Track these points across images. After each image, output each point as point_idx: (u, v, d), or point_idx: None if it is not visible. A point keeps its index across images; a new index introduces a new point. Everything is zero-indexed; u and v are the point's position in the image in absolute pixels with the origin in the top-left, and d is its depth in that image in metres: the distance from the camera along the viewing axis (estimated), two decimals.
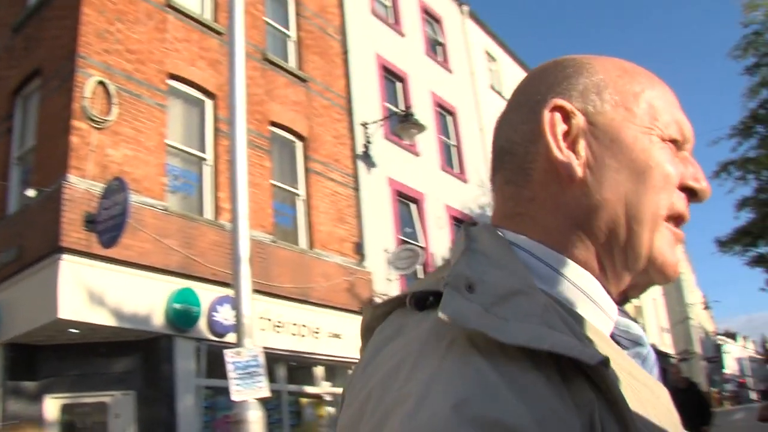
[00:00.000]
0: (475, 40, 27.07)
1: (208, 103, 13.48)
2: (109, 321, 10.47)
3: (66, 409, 11.14)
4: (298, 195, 15.35)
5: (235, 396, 6.94)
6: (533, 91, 1.00)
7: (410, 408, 0.70)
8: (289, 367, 13.99)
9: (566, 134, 0.95)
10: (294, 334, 13.55)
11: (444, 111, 22.83)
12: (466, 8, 26.68)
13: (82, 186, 10.57)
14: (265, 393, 7.00)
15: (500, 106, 25.79)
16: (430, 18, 24.39)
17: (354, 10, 19.31)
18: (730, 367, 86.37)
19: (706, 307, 63.86)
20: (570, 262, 0.92)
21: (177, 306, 11.28)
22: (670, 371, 12.17)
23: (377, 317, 0.95)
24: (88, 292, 10.30)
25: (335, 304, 14.66)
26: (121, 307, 10.66)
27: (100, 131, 11.09)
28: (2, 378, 10.69)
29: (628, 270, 0.94)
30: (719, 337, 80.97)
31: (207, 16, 14.20)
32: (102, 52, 11.57)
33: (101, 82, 11.32)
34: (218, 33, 13.76)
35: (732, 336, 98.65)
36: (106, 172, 10.93)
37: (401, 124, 16.70)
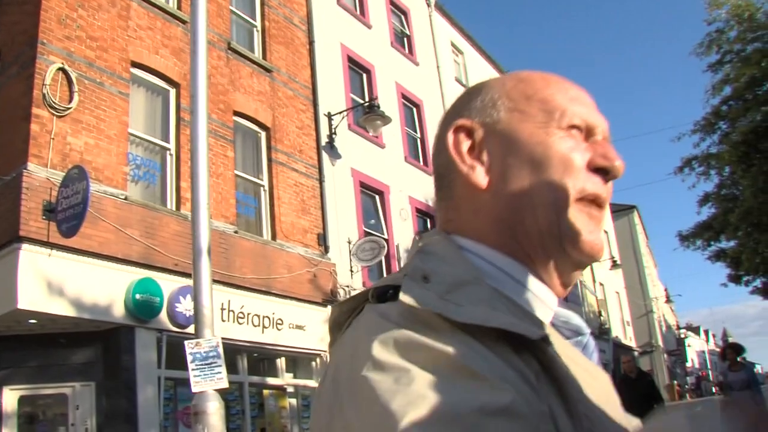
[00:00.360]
0: (442, 33, 27.08)
1: (172, 92, 13.36)
2: (69, 311, 10.36)
3: (25, 400, 11.01)
4: (261, 185, 15.28)
5: (195, 387, 6.90)
6: (446, 121, 1.13)
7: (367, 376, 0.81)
8: (251, 359, 13.95)
9: (471, 148, 1.08)
10: (256, 326, 13.50)
11: (409, 103, 22.81)
12: (432, 0, 26.66)
13: (42, 174, 10.44)
14: (224, 384, 6.97)
15: None
16: (397, 10, 24.35)
17: (320, 1, 19.21)
18: (692, 360, 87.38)
19: (668, 301, 64.39)
20: (506, 258, 1.02)
21: (138, 296, 11.18)
22: (622, 361, 13.51)
23: (344, 312, 1.04)
24: (48, 282, 10.18)
25: (298, 296, 14.63)
26: (81, 298, 10.54)
27: (60, 119, 10.95)
28: None
29: (549, 253, 1.03)
30: (681, 330, 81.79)
31: (171, 4, 14.07)
32: (63, 38, 11.41)
33: (62, 69, 11.18)
34: (182, 21, 13.64)
35: (694, 330, 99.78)
36: (66, 160, 10.81)
37: (366, 115, 16.69)
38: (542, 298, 1.02)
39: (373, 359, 0.83)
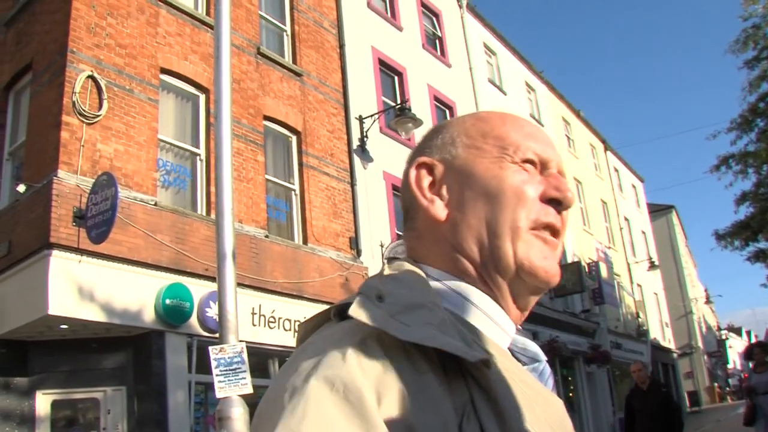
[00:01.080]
0: (474, 34, 26.97)
1: (201, 98, 13.43)
2: (99, 317, 10.44)
3: (57, 405, 11.13)
4: (292, 190, 15.30)
5: (219, 393, 6.88)
6: (411, 158, 1.23)
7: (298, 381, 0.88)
8: (283, 363, 13.94)
9: (432, 183, 1.16)
10: (287, 330, 13.50)
11: (442, 105, 22.71)
12: (464, 2, 26.56)
13: (72, 181, 10.53)
14: (248, 390, 6.94)
15: (499, 100, 25.76)
16: (428, 12, 24.28)
17: (350, 4, 19.22)
18: (733, 361, 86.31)
19: (708, 302, 63.67)
20: (468, 286, 1.09)
21: (168, 301, 11.23)
22: (632, 370, 10.59)
23: (308, 331, 1.10)
24: (78, 287, 10.27)
25: (330, 300, 14.57)
26: (111, 303, 10.62)
27: (90, 126, 11.05)
28: None
29: (505, 280, 1.09)
30: (722, 331, 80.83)
31: (200, 10, 14.15)
32: (93, 46, 11.51)
33: (92, 77, 11.27)
34: (211, 27, 13.60)
35: (736, 330, 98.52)
36: (96, 167, 10.90)
37: (397, 118, 16.62)
38: (500, 324, 1.09)
39: (281, 380, 0.91)
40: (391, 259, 1.16)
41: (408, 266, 1.10)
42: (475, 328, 1.04)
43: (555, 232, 1.12)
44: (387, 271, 1.08)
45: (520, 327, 1.16)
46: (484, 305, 1.08)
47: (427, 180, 1.16)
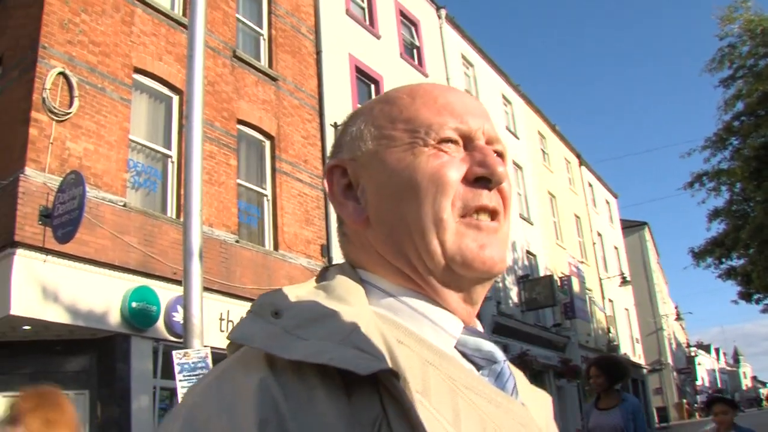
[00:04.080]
0: (452, 45, 27.00)
1: (175, 99, 13.27)
2: (63, 318, 10.25)
3: None
4: (264, 195, 15.16)
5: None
6: (328, 162, 1.12)
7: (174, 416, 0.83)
8: None
9: (348, 186, 1.06)
10: (242, 318, 13.31)
11: None
12: (443, 12, 26.59)
13: (39, 179, 10.34)
14: None
15: None
16: (407, 21, 24.26)
17: (328, 10, 19.15)
18: (702, 378, 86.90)
19: (679, 318, 64.11)
20: (400, 287, 0.99)
21: (134, 305, 11.06)
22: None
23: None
24: (43, 288, 10.07)
25: None
26: (76, 305, 10.43)
27: (60, 124, 10.86)
28: None
29: (440, 278, 0.98)
30: (692, 348, 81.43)
31: (176, 10, 14.00)
32: (65, 43, 11.33)
33: (63, 74, 11.09)
34: (187, 28, 13.53)
35: (705, 348, 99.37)
36: (65, 165, 10.71)
37: None
38: (441, 325, 0.98)
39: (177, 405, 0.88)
40: (327, 268, 1.06)
41: (337, 273, 1.01)
42: (412, 332, 0.94)
43: (494, 213, 1.00)
44: (303, 286, 0.99)
45: (474, 326, 1.03)
46: (419, 306, 0.98)
47: (341, 184, 1.06)
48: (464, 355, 0.99)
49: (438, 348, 0.94)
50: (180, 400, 6.39)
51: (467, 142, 1.01)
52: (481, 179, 0.99)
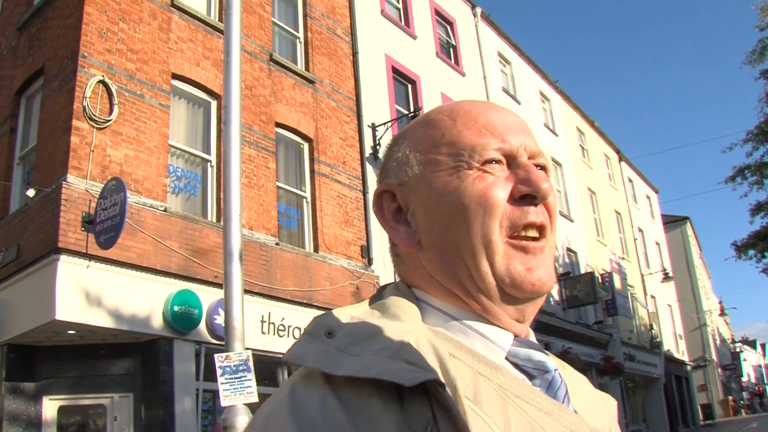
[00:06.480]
0: (488, 43, 26.91)
1: (213, 104, 13.38)
2: (107, 323, 10.38)
3: (64, 410, 11.08)
4: (304, 197, 15.23)
5: (224, 401, 6.82)
6: (377, 187, 1.15)
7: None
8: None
9: (398, 210, 1.09)
10: (297, 338, 13.38)
11: None
12: (479, 10, 26.51)
13: (81, 186, 10.49)
14: (254, 398, 6.87)
15: (513, 109, 26.25)
16: (442, 20, 24.23)
17: (364, 12, 19.19)
18: (748, 374, 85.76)
19: (723, 314, 63.31)
20: (454, 306, 1.03)
21: (177, 308, 11.17)
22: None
23: None
24: (86, 293, 10.22)
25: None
26: (119, 309, 10.56)
27: (100, 131, 11.01)
28: (1, 378, 10.62)
29: (491, 298, 1.01)
30: (737, 344, 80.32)
31: (212, 16, 14.12)
32: (104, 51, 11.49)
33: (102, 82, 11.24)
34: (223, 33, 13.63)
35: (751, 343, 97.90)
36: (106, 172, 10.86)
37: None
38: (492, 338, 1.01)
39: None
40: (384, 286, 1.11)
41: (392, 292, 1.06)
42: (463, 344, 0.98)
43: (541, 228, 1.03)
44: (358, 306, 1.04)
45: (527, 338, 1.06)
46: (472, 323, 1.02)
47: (391, 208, 1.10)
48: (516, 366, 1.02)
49: (489, 359, 0.98)
50: (222, 401, 6.45)
51: (510, 160, 1.04)
52: (527, 196, 1.01)
